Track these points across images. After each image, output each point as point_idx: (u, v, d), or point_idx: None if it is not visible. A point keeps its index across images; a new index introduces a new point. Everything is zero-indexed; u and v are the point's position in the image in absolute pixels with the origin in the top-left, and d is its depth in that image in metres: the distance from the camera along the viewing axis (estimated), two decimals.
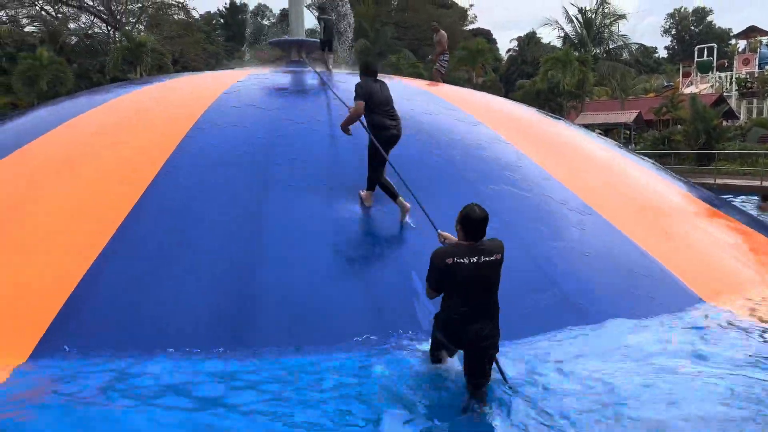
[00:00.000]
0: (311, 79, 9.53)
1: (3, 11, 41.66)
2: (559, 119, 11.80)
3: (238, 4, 55.24)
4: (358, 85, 5.95)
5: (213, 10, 56.51)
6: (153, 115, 7.84)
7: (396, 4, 50.76)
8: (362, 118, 6.02)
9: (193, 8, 50.75)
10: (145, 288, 5.32)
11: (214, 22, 55.20)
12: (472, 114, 8.70)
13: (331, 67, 10.33)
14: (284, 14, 47.61)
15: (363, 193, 6.23)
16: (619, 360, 4.84)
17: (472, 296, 4.03)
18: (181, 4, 47.80)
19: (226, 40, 51.79)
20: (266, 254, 5.61)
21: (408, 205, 5.96)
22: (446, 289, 4.12)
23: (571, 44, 41.29)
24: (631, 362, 4.78)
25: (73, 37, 40.95)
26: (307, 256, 5.63)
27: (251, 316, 5.15)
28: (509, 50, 56.81)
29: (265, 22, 42.59)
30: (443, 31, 12.74)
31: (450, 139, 7.66)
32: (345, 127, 6.09)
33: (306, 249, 5.68)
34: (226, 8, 56.03)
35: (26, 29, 42.03)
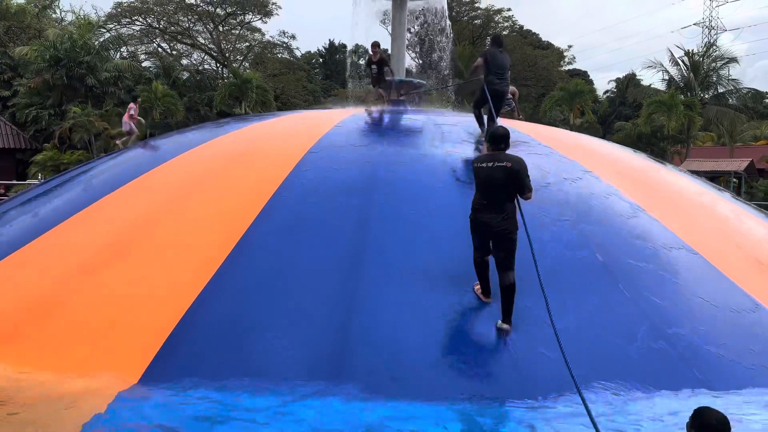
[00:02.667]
0: (411, 118, 9.59)
1: (125, 47, 45.28)
2: (664, 164, 11.21)
3: (337, 44, 57.20)
4: (484, 51, 8.15)
5: (313, 49, 58.70)
6: (261, 152, 8.08)
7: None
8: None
9: (297, 48, 52.92)
10: (245, 323, 5.42)
11: (313, 61, 57.40)
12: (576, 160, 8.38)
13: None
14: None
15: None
16: None
17: (486, 193, 5.20)
18: (285, 44, 50.20)
19: (323, 79, 53.64)
20: (365, 296, 5.58)
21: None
22: (476, 187, 5.36)
23: (676, 87, 39.66)
24: None
25: (184, 73, 43.77)
26: (408, 301, 5.54)
27: (347, 359, 5.10)
28: (606, 92, 55.34)
29: (362, 61, 43.79)
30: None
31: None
32: (468, 75, 8.22)
33: (407, 293, 5.59)
34: (325, 48, 58.16)
35: (144, 64, 45.41)
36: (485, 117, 8.12)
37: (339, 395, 4.75)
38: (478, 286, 5.55)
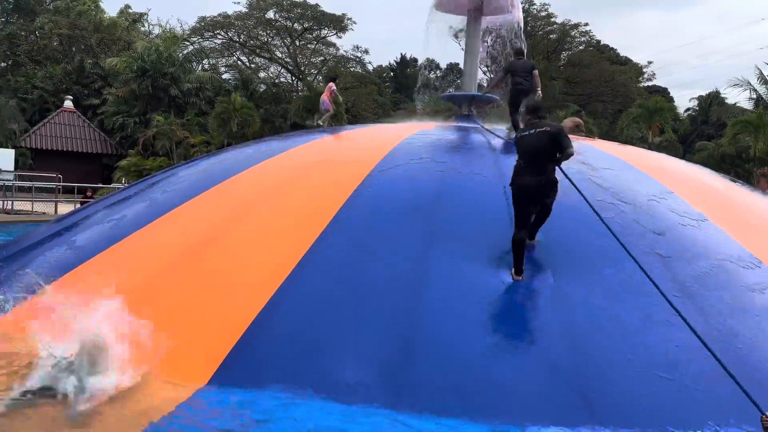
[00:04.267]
0: (480, 134, 9.50)
1: (206, 60, 47.27)
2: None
3: (408, 58, 57.59)
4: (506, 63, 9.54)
5: (384, 63, 59.34)
6: (330, 166, 8.20)
7: (566, 59, 49.93)
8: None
9: (369, 62, 53.67)
10: (312, 332, 5.49)
11: (384, 75, 58.01)
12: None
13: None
14: (450, 68, 48.81)
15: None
16: None
17: (529, 158, 5.76)
18: (358, 58, 51.04)
19: (393, 92, 54.10)
20: (429, 309, 5.55)
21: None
22: (518, 155, 5.91)
23: (765, 107, 37.57)
24: None
25: (262, 85, 45.19)
26: (471, 316, 5.47)
27: (410, 373, 5.07)
28: (687, 109, 53.07)
29: (432, 75, 43.87)
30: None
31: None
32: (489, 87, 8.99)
33: (471, 309, 5.53)
34: (396, 62, 58.67)
35: (224, 76, 47.28)
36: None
37: (399, 410, 4.73)
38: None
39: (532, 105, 6.35)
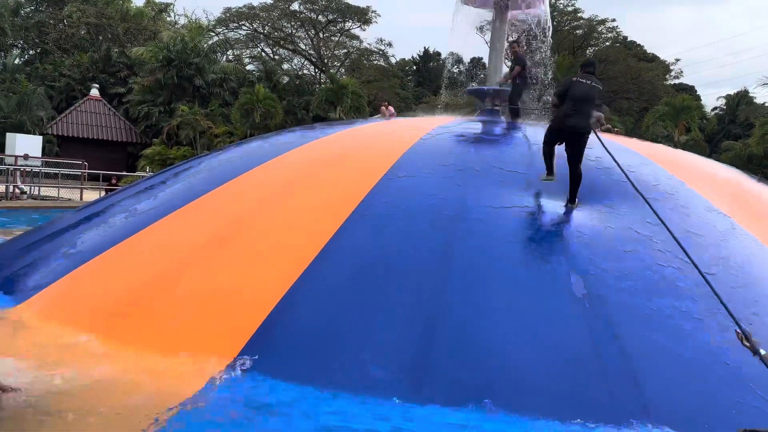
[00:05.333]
0: (505, 128, 9.45)
1: (231, 51, 47.57)
2: None
3: (431, 52, 57.32)
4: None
5: (408, 56, 59.14)
6: (353, 159, 8.20)
7: (593, 55, 49.36)
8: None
9: (392, 55, 53.58)
10: (333, 324, 5.52)
11: (407, 68, 57.84)
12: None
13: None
14: (474, 62, 48.51)
15: None
16: None
17: (580, 103, 6.47)
18: (382, 51, 50.96)
19: (416, 86, 53.94)
20: (452, 302, 5.56)
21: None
22: (568, 99, 6.53)
23: None
24: None
25: (285, 77, 45.36)
26: (494, 308, 5.47)
27: (432, 365, 5.09)
28: (715, 108, 52.15)
29: (455, 69, 43.66)
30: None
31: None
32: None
33: (492, 302, 5.52)
34: (420, 56, 58.45)
35: (248, 68, 47.49)
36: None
37: (419, 404, 4.75)
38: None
39: (589, 61, 7.04)
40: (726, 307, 4.62)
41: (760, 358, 4.04)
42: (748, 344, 4.11)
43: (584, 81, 6.56)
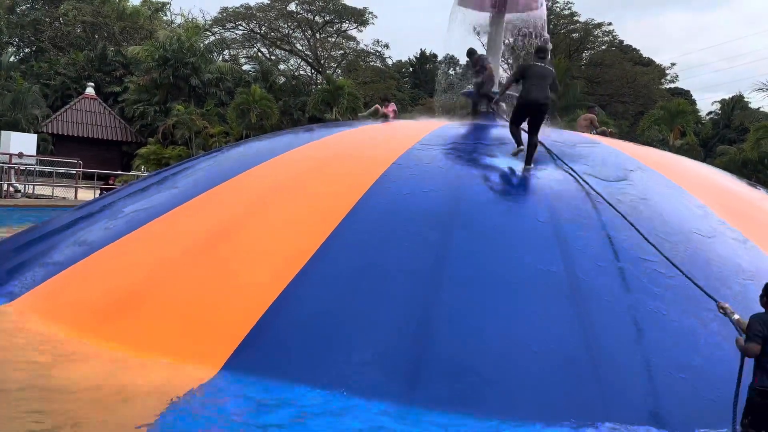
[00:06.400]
0: (500, 131, 9.44)
1: (227, 51, 47.50)
2: None
3: (428, 54, 57.32)
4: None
5: (404, 58, 59.16)
6: (349, 160, 8.18)
7: (589, 58, 49.52)
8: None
9: (389, 57, 53.61)
10: (326, 324, 5.52)
11: (403, 70, 57.85)
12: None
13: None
14: (470, 64, 48.39)
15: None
16: None
17: (539, 81, 7.34)
18: (379, 52, 51.01)
19: (412, 88, 53.95)
20: (446, 304, 5.56)
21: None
22: (528, 79, 7.36)
23: None
24: None
25: (281, 77, 45.32)
26: (490, 306, 5.47)
27: (425, 367, 5.08)
28: (710, 113, 52.36)
29: (451, 71, 43.71)
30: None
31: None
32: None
33: (490, 299, 5.53)
34: (416, 57, 58.45)
35: (244, 68, 47.43)
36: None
37: (412, 405, 4.75)
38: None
39: (541, 48, 7.83)
40: (699, 286, 5.33)
41: (733, 323, 4.70)
42: (722, 311, 4.81)
43: (539, 64, 7.48)
